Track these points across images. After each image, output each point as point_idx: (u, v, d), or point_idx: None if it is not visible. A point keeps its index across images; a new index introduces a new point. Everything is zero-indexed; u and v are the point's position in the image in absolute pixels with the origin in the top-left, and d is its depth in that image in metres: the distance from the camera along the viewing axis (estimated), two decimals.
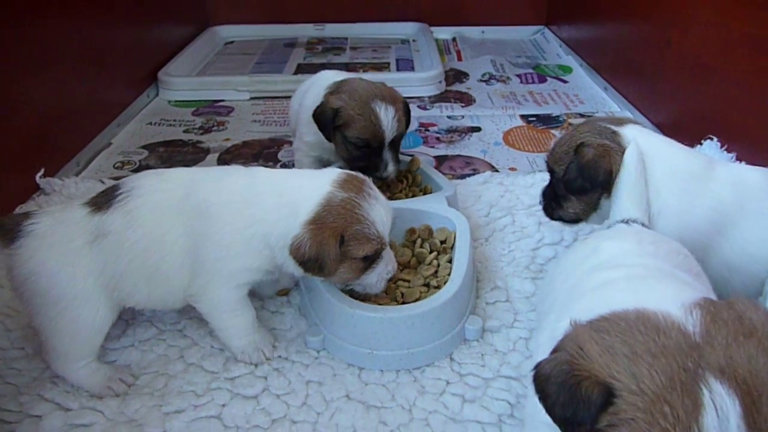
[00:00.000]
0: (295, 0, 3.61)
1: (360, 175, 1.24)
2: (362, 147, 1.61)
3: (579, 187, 1.29)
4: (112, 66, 2.47)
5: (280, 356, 1.27)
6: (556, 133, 2.36)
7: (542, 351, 0.82)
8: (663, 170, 1.26)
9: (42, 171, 1.92)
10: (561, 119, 2.47)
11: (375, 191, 1.21)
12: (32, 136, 1.93)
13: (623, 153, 1.25)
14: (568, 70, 3.08)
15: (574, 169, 1.28)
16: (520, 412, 1.11)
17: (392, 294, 1.35)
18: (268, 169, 1.28)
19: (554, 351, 0.73)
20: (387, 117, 1.58)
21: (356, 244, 1.14)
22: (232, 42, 3.54)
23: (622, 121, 1.31)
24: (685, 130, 2.06)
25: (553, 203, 1.40)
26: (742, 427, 0.60)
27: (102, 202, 1.17)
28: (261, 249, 1.18)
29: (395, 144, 1.65)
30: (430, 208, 1.50)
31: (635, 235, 1.09)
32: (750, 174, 1.30)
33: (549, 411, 0.70)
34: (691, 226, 1.24)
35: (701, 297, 0.73)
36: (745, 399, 0.61)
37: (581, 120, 2.41)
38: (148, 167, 2.14)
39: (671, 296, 0.74)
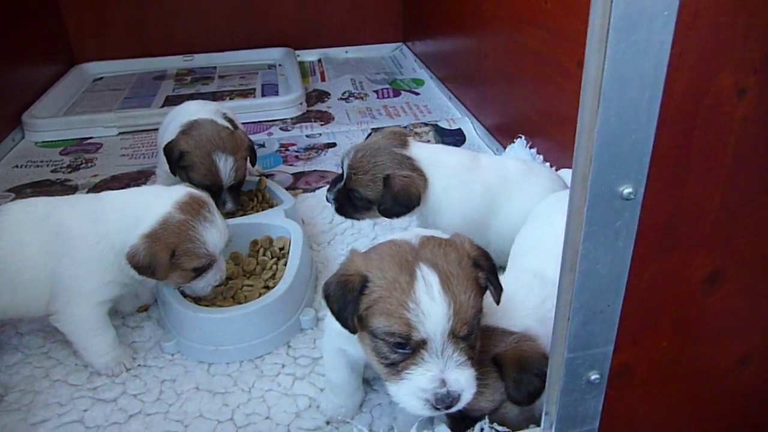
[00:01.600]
0: (163, 32, 3.72)
1: (202, 196, 1.42)
2: (202, 188, 1.82)
3: (397, 213, 1.54)
4: None
5: (138, 365, 1.44)
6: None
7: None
8: (442, 173, 1.57)
9: None
10: (408, 129, 2.77)
11: (211, 214, 1.40)
12: None
13: (421, 173, 1.54)
14: (420, 83, 3.40)
15: (389, 200, 1.52)
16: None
17: (238, 297, 1.56)
18: (118, 191, 1.45)
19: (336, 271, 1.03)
20: (225, 168, 1.79)
21: (187, 259, 1.34)
22: (101, 78, 3.61)
23: (404, 141, 1.58)
24: (504, 131, 2.41)
25: (349, 208, 1.60)
26: (440, 289, 0.92)
27: None
28: (112, 261, 1.35)
29: (235, 187, 1.85)
30: (270, 221, 1.73)
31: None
32: (508, 161, 1.69)
33: (330, 308, 1.00)
34: (471, 207, 1.58)
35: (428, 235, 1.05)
36: (440, 275, 0.93)
37: (425, 128, 2.75)
38: None
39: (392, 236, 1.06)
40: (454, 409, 0.95)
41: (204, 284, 1.42)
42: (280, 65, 3.68)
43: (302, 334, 1.50)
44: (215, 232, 1.39)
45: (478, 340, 1.00)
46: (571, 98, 1.76)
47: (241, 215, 1.89)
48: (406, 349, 0.94)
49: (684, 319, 0.89)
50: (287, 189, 2.22)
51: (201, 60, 3.75)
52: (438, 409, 0.94)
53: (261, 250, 1.68)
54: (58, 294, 1.36)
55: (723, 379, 1.00)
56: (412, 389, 0.94)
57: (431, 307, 0.91)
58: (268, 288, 1.56)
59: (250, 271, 1.65)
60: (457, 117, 2.87)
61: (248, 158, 1.90)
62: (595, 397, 0.90)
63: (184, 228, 1.33)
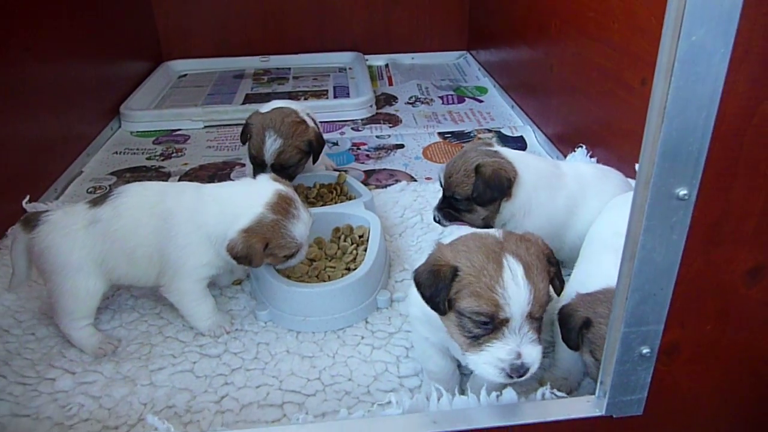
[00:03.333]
0: (241, 35, 4.00)
1: (289, 193, 1.58)
2: (251, 158, 2.08)
3: (490, 198, 1.63)
4: (79, 101, 2.82)
5: (237, 329, 1.66)
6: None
7: (411, 296, 1.30)
8: (531, 172, 1.69)
9: (27, 197, 2.27)
10: (472, 134, 2.94)
11: (297, 210, 1.57)
12: (17, 167, 2.27)
13: (509, 163, 1.66)
14: (484, 90, 3.56)
15: (481, 186, 1.62)
16: (413, 352, 1.53)
17: (322, 277, 1.76)
18: (218, 184, 1.66)
19: (425, 261, 1.18)
20: (270, 146, 2.00)
21: (278, 249, 1.55)
22: (185, 75, 3.91)
23: (489, 143, 1.74)
24: (565, 140, 2.55)
25: (454, 214, 1.71)
26: (524, 277, 1.08)
27: (99, 199, 1.57)
28: (208, 248, 1.56)
29: (279, 168, 2.03)
30: (351, 211, 1.92)
31: None
32: (584, 168, 1.81)
33: (422, 294, 1.15)
34: (555, 212, 1.70)
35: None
36: (524, 265, 1.09)
37: (489, 134, 2.91)
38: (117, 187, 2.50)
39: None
40: (522, 379, 1.10)
41: (293, 263, 1.63)
42: (350, 68, 3.90)
43: (378, 312, 1.69)
44: (301, 225, 1.58)
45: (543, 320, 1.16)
46: (632, 113, 1.92)
47: (321, 205, 2.09)
48: (488, 325, 1.09)
49: (726, 308, 1.03)
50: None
51: (276, 61, 4.01)
52: (511, 377, 1.09)
53: (342, 237, 1.88)
54: (165, 270, 1.58)
55: (761, 366, 1.13)
56: (491, 359, 1.09)
57: (516, 291, 1.07)
58: (349, 270, 1.76)
59: (332, 255, 1.85)
60: (519, 125, 3.01)
61: (309, 153, 2.08)
62: (645, 369, 1.05)
63: (276, 226, 1.53)
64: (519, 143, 2.82)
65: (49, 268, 1.52)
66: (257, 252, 1.51)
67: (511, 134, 2.91)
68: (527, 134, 2.88)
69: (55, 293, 1.54)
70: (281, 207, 1.54)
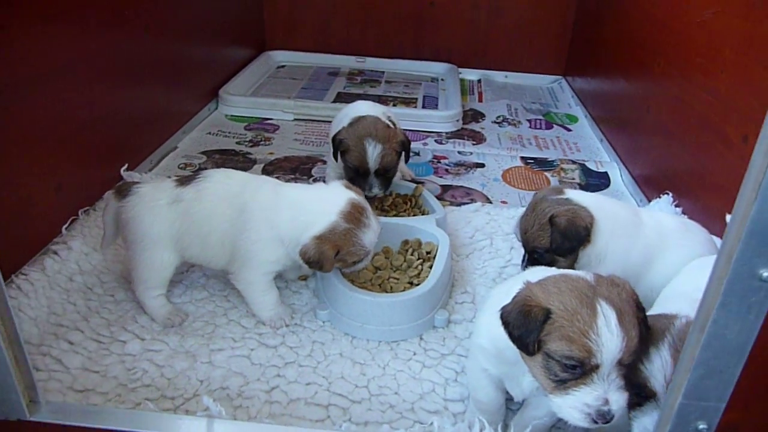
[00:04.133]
0: (342, 33, 4.11)
1: (361, 203, 1.63)
2: (353, 170, 2.09)
3: (569, 248, 1.62)
4: (184, 81, 2.99)
5: (296, 324, 1.72)
6: (549, 175, 2.77)
7: (479, 326, 1.32)
8: (608, 217, 1.65)
9: (126, 165, 2.43)
10: (555, 164, 2.89)
11: (368, 219, 1.61)
12: (119, 138, 2.43)
13: (584, 208, 1.63)
14: (574, 119, 3.49)
15: (558, 237, 1.61)
16: (463, 377, 1.53)
17: (384, 287, 1.79)
18: (294, 186, 1.71)
19: (513, 298, 1.17)
20: (373, 153, 2.04)
21: (348, 256, 1.60)
22: (283, 66, 4.05)
23: (560, 190, 1.70)
24: (651, 184, 2.47)
25: None
26: (617, 324, 1.06)
27: (185, 179, 1.67)
28: (277, 247, 1.62)
29: (382, 173, 2.09)
30: (422, 226, 1.95)
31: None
32: (666, 218, 1.75)
33: (510, 334, 1.14)
34: (631, 261, 1.65)
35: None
36: (617, 311, 1.08)
37: (572, 165, 2.85)
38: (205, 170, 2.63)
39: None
40: (607, 426, 1.09)
41: (360, 267, 1.68)
42: (442, 80, 3.92)
43: (434, 330, 1.71)
44: (371, 234, 1.62)
45: None
46: (728, 168, 1.84)
47: (394, 215, 2.13)
48: (577, 370, 1.08)
49: None
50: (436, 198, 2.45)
51: (371, 63, 4.09)
52: (595, 422, 1.08)
53: (410, 250, 1.91)
54: (235, 258, 1.66)
55: None
56: (578, 404, 1.08)
57: (609, 339, 1.05)
58: (411, 284, 1.78)
59: (397, 266, 1.87)
60: (605, 160, 2.94)
61: (401, 154, 2.14)
62: None
63: (348, 235, 1.58)
64: (602, 179, 2.75)
65: (131, 237, 1.64)
66: (329, 258, 1.56)
67: (595, 169, 2.84)
68: (612, 171, 2.81)
69: (133, 261, 1.65)
70: (354, 216, 1.58)
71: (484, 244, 2.12)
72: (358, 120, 2.15)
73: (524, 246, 1.72)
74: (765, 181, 0.80)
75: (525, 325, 1.11)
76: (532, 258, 1.69)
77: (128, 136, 2.49)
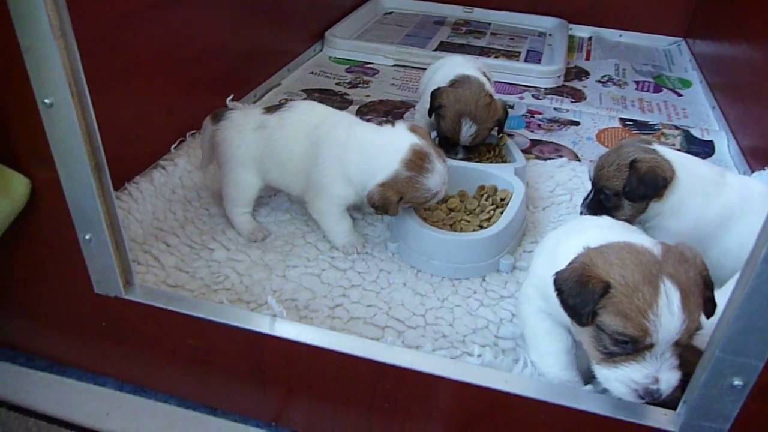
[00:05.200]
0: None
1: (423, 148, 1.64)
2: (443, 137, 2.12)
3: (642, 195, 1.59)
4: (290, 22, 3.11)
5: (366, 252, 1.82)
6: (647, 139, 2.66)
7: (532, 276, 1.32)
8: (689, 176, 1.61)
9: (231, 96, 2.61)
10: (656, 127, 2.76)
11: (432, 163, 1.63)
12: (227, 71, 2.60)
13: (667, 162, 1.60)
14: (687, 84, 3.29)
15: (635, 180, 1.58)
16: (517, 319, 1.58)
17: (455, 227, 1.85)
18: (365, 128, 1.72)
19: (570, 264, 1.11)
20: (466, 132, 2.06)
21: (414, 200, 1.67)
22: (390, 13, 4.09)
23: (649, 141, 1.66)
24: (759, 155, 2.31)
25: (601, 212, 1.64)
26: (680, 306, 1.01)
27: (272, 108, 1.80)
28: (346, 185, 1.71)
29: (471, 146, 2.11)
30: (500, 173, 1.97)
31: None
32: (754, 183, 1.68)
33: (563, 301, 1.09)
34: (705, 219, 1.61)
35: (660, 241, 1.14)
36: (681, 292, 1.02)
37: (675, 131, 2.72)
38: (292, 101, 2.77)
39: (644, 238, 1.14)
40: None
41: (431, 203, 1.74)
42: (550, 35, 3.80)
43: (498, 274, 1.75)
44: (436, 176, 1.65)
45: None
46: None
47: (477, 161, 2.16)
48: (629, 346, 1.04)
49: None
50: (522, 152, 2.44)
51: (479, 14, 4.03)
52: (642, 398, 1.06)
53: (485, 195, 1.94)
54: (309, 188, 1.76)
55: None
56: (626, 379, 1.05)
57: (669, 321, 1.00)
58: (481, 227, 1.82)
59: (471, 210, 1.92)
60: (713, 129, 2.77)
61: (494, 128, 2.13)
62: (732, 401, 1.02)
63: (409, 182, 1.63)
64: (707, 148, 2.60)
65: (221, 158, 1.79)
66: (392, 204, 1.63)
67: (700, 136, 2.69)
68: (719, 140, 2.65)
69: (223, 180, 1.82)
70: (415, 163, 1.62)
71: (563, 199, 2.11)
72: (463, 82, 2.13)
73: (594, 184, 1.70)
74: None
75: (581, 296, 1.05)
76: (597, 199, 1.68)
77: (235, 70, 2.66)
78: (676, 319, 1.00)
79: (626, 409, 1.13)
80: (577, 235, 1.25)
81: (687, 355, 1.08)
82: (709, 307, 1.07)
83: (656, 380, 1.03)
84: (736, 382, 0.99)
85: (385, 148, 1.65)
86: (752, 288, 0.90)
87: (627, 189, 1.60)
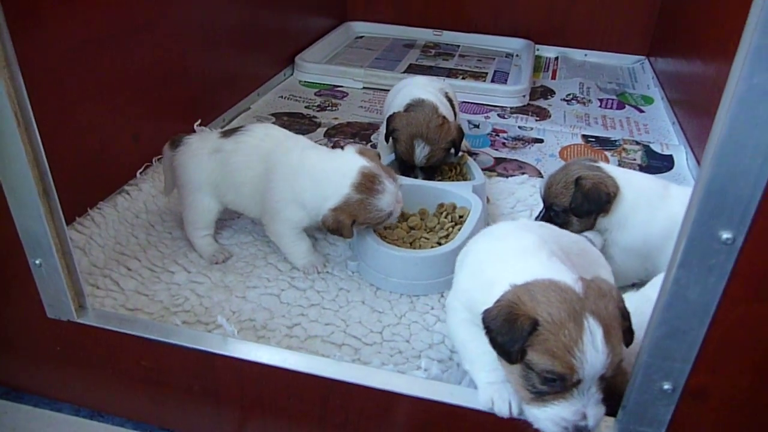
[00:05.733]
0: (422, 7, 4.14)
1: (372, 170, 1.66)
2: (400, 160, 2.17)
3: (587, 211, 1.66)
4: (261, 46, 3.17)
5: (327, 272, 1.85)
6: (609, 155, 2.72)
7: (456, 291, 1.33)
8: (633, 190, 1.68)
9: (199, 121, 2.63)
10: (618, 143, 2.83)
11: (382, 184, 1.66)
12: (196, 95, 2.64)
13: (611, 178, 1.67)
14: (649, 101, 3.37)
15: (580, 197, 1.65)
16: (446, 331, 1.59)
17: (415, 245, 1.88)
18: (316, 153, 1.75)
19: (497, 302, 1.11)
20: (420, 153, 2.10)
21: (369, 221, 1.69)
22: (362, 37, 4.17)
23: (594, 160, 1.74)
24: None
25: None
26: (603, 341, 1.02)
27: (230, 131, 1.83)
28: (299, 210, 1.73)
29: (428, 168, 2.15)
30: (458, 191, 2.00)
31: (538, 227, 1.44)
32: None
33: (492, 339, 1.09)
34: (652, 231, 1.67)
35: (579, 276, 1.14)
36: (604, 327, 1.04)
37: (636, 146, 2.79)
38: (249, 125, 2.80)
39: (567, 274, 1.14)
40: None
41: (389, 222, 1.76)
42: (517, 55, 3.89)
43: None
44: (387, 197, 1.67)
45: None
46: None
47: (439, 179, 2.20)
48: (556, 384, 1.05)
49: None
50: (485, 170, 2.49)
51: (448, 37, 4.11)
52: None
53: (444, 213, 1.98)
54: (265, 211, 1.79)
55: None
56: (555, 417, 1.06)
57: (594, 357, 1.02)
58: (440, 244, 1.85)
59: (431, 228, 1.95)
60: (673, 143, 2.84)
61: (448, 149, 2.16)
62: (665, 406, 1.05)
63: (362, 204, 1.65)
64: (666, 162, 2.67)
65: (180, 182, 1.82)
66: (346, 227, 1.66)
67: (660, 151, 2.76)
68: (678, 155, 2.72)
69: (182, 204, 1.84)
70: (365, 186, 1.64)
71: (523, 215, 2.15)
72: (414, 107, 2.18)
73: (544, 201, 1.76)
74: (722, 140, 0.82)
75: (510, 333, 1.06)
76: (548, 215, 1.74)
77: (203, 94, 2.70)
78: (601, 355, 1.02)
79: None
80: (498, 247, 1.30)
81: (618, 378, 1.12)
82: (628, 337, 1.10)
83: (584, 416, 1.05)
84: (665, 386, 1.02)
85: (335, 173, 1.67)
86: (671, 294, 0.93)
87: (573, 205, 1.67)
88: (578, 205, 1.65)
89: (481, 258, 1.31)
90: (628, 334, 1.09)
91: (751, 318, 0.94)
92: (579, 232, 1.69)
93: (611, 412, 1.11)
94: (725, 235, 0.86)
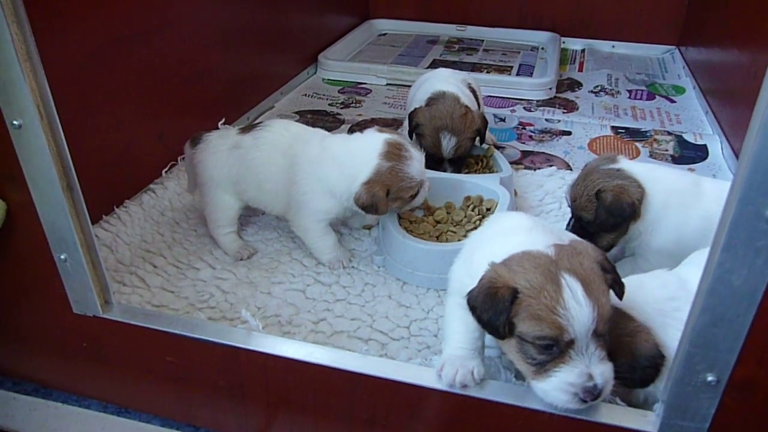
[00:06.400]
0: (445, 2, 4.10)
1: (397, 139, 1.68)
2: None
3: (612, 224, 1.60)
4: (284, 46, 3.16)
5: (353, 267, 1.82)
6: (639, 146, 2.65)
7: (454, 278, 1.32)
8: (662, 189, 1.59)
9: (223, 119, 2.64)
10: (648, 134, 2.75)
11: (409, 151, 1.66)
12: (220, 94, 2.64)
13: (635, 182, 1.59)
14: (681, 90, 3.28)
15: (603, 213, 1.58)
16: None
17: (441, 239, 1.84)
18: (337, 139, 1.74)
19: (478, 282, 1.12)
20: (447, 145, 2.06)
21: (401, 192, 1.66)
22: (384, 34, 4.14)
23: (614, 159, 1.65)
24: None
25: (589, 239, 1.60)
26: (584, 294, 1.03)
27: (248, 127, 1.81)
28: (328, 199, 1.70)
29: (456, 159, 2.11)
30: (485, 183, 1.96)
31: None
32: None
33: (478, 318, 1.10)
34: (686, 233, 1.58)
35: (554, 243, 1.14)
36: (582, 281, 1.04)
37: (668, 137, 2.71)
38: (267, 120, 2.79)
39: (541, 242, 1.14)
40: (598, 401, 1.06)
41: (419, 201, 1.74)
42: (542, 48, 3.82)
43: None
44: (416, 163, 1.68)
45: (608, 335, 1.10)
46: None
47: (466, 172, 2.16)
48: (553, 350, 1.04)
49: None
50: (513, 163, 2.44)
51: (472, 32, 4.06)
52: (585, 401, 1.04)
53: (471, 206, 1.94)
54: (290, 206, 1.76)
55: None
56: (562, 384, 1.04)
57: (579, 310, 1.01)
58: (467, 237, 1.81)
59: (458, 221, 1.91)
60: (707, 133, 2.75)
61: (474, 138, 2.12)
62: (709, 399, 0.99)
63: (393, 171, 1.64)
64: (699, 152, 2.58)
65: (200, 180, 1.81)
66: (381, 199, 1.63)
67: (693, 141, 2.67)
68: (712, 144, 2.63)
69: (203, 202, 1.83)
70: (393, 153, 1.64)
71: (551, 207, 2.10)
72: (435, 100, 2.14)
73: (572, 212, 1.70)
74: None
75: (493, 308, 1.07)
76: (579, 225, 1.67)
77: (228, 93, 2.70)
78: (585, 308, 1.02)
79: (604, 413, 1.10)
80: (487, 231, 1.35)
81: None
82: (617, 289, 1.10)
83: (590, 376, 1.03)
84: (710, 378, 0.97)
85: (361, 149, 1.67)
86: (715, 278, 0.88)
87: (598, 222, 1.61)
88: (603, 221, 1.58)
89: (472, 245, 1.33)
90: (617, 286, 1.10)
91: None
92: (613, 240, 1.64)
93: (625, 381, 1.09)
94: None
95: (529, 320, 1.04)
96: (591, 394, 1.03)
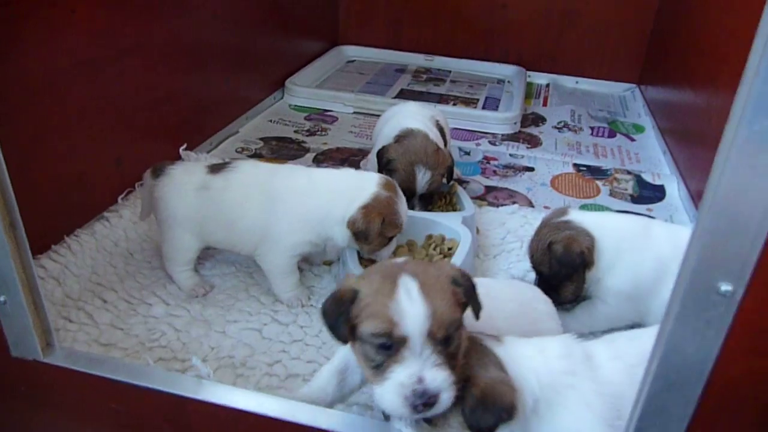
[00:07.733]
0: (414, 32, 4.14)
1: (390, 180, 1.74)
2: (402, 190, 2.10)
3: (565, 275, 1.63)
4: (251, 69, 3.13)
5: (311, 305, 1.79)
6: (600, 184, 2.69)
7: None
8: (611, 235, 1.64)
9: (185, 145, 2.59)
10: (608, 173, 2.80)
11: (400, 191, 1.73)
12: (183, 118, 2.59)
13: (583, 231, 1.62)
14: (641, 129, 3.36)
15: (555, 264, 1.63)
16: None
17: None
18: (323, 171, 1.78)
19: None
20: (422, 179, 2.05)
21: (389, 228, 1.66)
22: (353, 61, 4.15)
23: (564, 211, 1.70)
24: None
25: (552, 293, 1.62)
26: (419, 292, 1.03)
27: (216, 168, 1.76)
28: (314, 227, 1.69)
29: (426, 196, 2.11)
30: (447, 222, 1.96)
31: None
32: (683, 230, 1.69)
33: (327, 323, 1.11)
34: (641, 273, 1.62)
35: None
36: (419, 282, 1.04)
37: (627, 176, 2.76)
38: (260, 155, 2.76)
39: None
40: (434, 411, 1.02)
41: (387, 252, 1.74)
42: (509, 82, 3.88)
43: None
44: (404, 205, 1.73)
45: (459, 354, 1.07)
46: None
47: (429, 209, 2.16)
48: (389, 349, 1.03)
49: None
50: (476, 198, 2.45)
51: (439, 62, 4.10)
52: (416, 408, 1.00)
53: (432, 245, 1.93)
54: (264, 241, 1.73)
55: None
56: (393, 386, 1.01)
57: (410, 306, 1.02)
58: None
59: (420, 260, 1.90)
60: (664, 173, 2.81)
61: (445, 175, 2.12)
62: None
63: (390, 202, 1.66)
64: (657, 192, 2.64)
65: (159, 215, 1.75)
66: (375, 227, 1.63)
67: (651, 181, 2.73)
68: (669, 185, 2.69)
69: (161, 238, 1.77)
70: (390, 187, 1.69)
71: (513, 246, 2.11)
72: (406, 137, 2.13)
73: (533, 268, 1.73)
74: (722, 191, 0.78)
75: (336, 310, 1.09)
76: (541, 279, 1.70)
77: (191, 117, 2.65)
78: (417, 305, 1.02)
79: None
80: None
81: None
82: (473, 305, 1.12)
83: (420, 379, 1.00)
84: None
85: (359, 178, 1.71)
86: (668, 346, 0.88)
87: (551, 274, 1.64)
88: (556, 272, 1.62)
89: None
90: (473, 303, 1.11)
91: (751, 374, 0.89)
92: (576, 290, 1.66)
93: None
94: (724, 287, 0.82)
95: (367, 319, 1.05)
96: (420, 397, 1.00)
